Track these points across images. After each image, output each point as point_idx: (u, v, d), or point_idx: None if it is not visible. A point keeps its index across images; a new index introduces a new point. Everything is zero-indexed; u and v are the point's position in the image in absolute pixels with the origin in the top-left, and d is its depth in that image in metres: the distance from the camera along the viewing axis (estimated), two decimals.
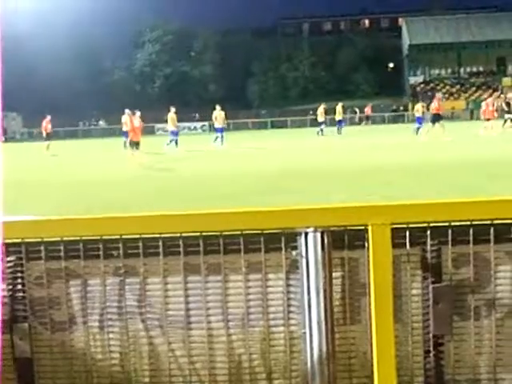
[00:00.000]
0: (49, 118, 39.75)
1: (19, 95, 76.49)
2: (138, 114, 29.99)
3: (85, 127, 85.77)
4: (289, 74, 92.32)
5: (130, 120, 27.89)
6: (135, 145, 26.06)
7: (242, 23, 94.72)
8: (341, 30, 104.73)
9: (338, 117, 47.98)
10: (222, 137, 36.17)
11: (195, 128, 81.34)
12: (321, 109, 46.60)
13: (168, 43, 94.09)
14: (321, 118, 46.35)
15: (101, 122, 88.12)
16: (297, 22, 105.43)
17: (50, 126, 39.52)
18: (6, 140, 60.86)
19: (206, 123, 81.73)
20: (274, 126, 72.77)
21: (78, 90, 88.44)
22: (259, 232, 2.44)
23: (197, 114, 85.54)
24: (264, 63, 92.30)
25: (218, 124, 37.31)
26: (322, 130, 45.78)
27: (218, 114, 37.44)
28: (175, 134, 35.48)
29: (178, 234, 2.45)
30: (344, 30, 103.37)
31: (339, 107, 48.33)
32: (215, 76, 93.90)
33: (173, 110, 35.58)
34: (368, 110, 70.80)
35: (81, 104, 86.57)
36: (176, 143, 34.62)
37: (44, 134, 39.23)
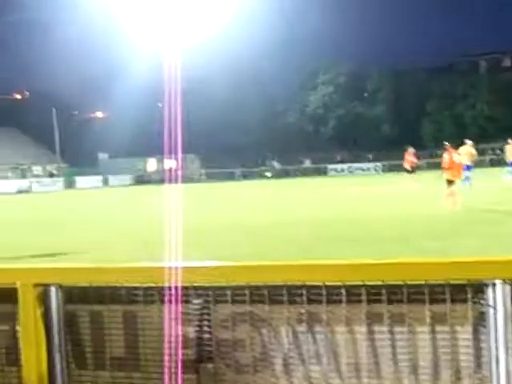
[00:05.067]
0: (412, 150, 40.37)
1: (197, 137, 79.96)
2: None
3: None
4: (466, 112, 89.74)
5: (450, 154, 22.69)
6: (450, 183, 21.57)
7: (416, 62, 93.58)
8: None
9: None
10: None
11: (368, 169, 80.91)
12: None
13: (341, 84, 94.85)
14: None
15: (274, 163, 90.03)
16: (473, 59, 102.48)
17: (414, 160, 40.39)
18: (186, 181, 63.55)
19: (380, 164, 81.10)
20: None
21: (253, 133, 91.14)
22: (444, 282, 2.38)
23: (370, 155, 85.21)
24: (439, 102, 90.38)
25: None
26: None
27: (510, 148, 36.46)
28: None
29: (361, 282, 2.44)
30: None
31: None
32: (388, 116, 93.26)
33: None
34: None
35: (255, 146, 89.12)
36: None
37: (408, 167, 39.99)
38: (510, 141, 34.19)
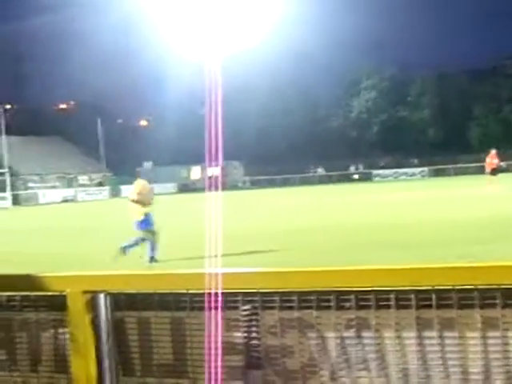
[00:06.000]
0: (494, 151, 39.16)
1: (240, 144, 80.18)
2: None
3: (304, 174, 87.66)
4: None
5: None
6: None
7: (459, 66, 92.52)
8: None
9: None
10: None
11: (413, 174, 80.00)
12: None
13: (384, 89, 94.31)
14: None
15: (319, 170, 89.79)
16: None
17: (495, 161, 39.07)
18: (228, 188, 63.69)
19: (426, 169, 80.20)
20: None
21: (296, 139, 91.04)
22: (496, 287, 2.33)
23: (415, 160, 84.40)
24: (485, 105, 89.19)
25: None
26: None
27: None
28: None
29: (410, 287, 2.41)
30: None
31: None
32: (433, 120, 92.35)
33: None
34: None
35: (298, 152, 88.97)
36: None
37: (488, 170, 38.90)
38: None
